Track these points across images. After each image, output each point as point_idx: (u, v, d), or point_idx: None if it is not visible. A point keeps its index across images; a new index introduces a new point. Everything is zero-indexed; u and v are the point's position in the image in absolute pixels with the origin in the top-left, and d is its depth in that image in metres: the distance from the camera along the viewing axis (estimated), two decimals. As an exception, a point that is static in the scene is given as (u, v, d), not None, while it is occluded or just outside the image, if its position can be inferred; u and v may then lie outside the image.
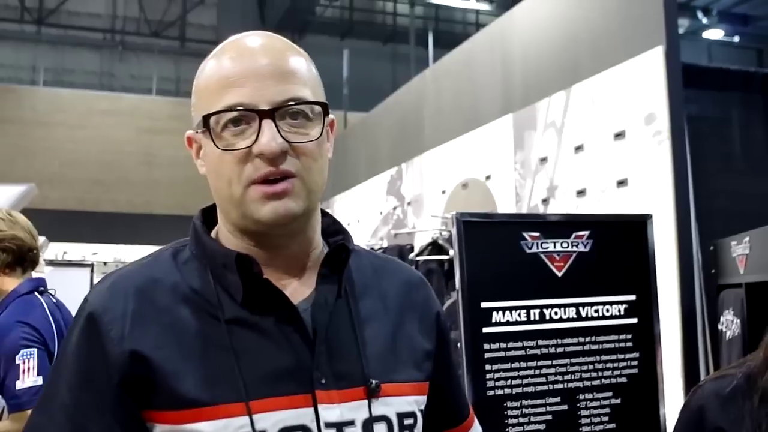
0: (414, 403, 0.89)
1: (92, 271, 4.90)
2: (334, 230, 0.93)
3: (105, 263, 8.92)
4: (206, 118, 0.82)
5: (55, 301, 2.18)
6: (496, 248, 1.70)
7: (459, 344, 1.66)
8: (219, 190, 0.84)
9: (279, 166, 0.80)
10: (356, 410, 0.83)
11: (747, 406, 1.07)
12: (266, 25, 13.44)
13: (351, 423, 0.82)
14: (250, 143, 0.80)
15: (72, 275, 4.50)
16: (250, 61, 0.83)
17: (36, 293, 2.11)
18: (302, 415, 0.80)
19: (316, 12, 13.70)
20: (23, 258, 2.13)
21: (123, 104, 12.89)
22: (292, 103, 0.82)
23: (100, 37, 14.40)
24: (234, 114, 0.81)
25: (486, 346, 1.64)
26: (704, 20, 12.51)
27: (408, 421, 0.88)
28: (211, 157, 0.84)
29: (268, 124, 0.80)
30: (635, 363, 1.77)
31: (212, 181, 0.85)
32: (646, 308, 1.81)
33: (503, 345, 1.66)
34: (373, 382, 0.84)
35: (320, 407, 0.81)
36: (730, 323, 2.40)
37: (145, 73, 14.30)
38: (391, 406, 0.86)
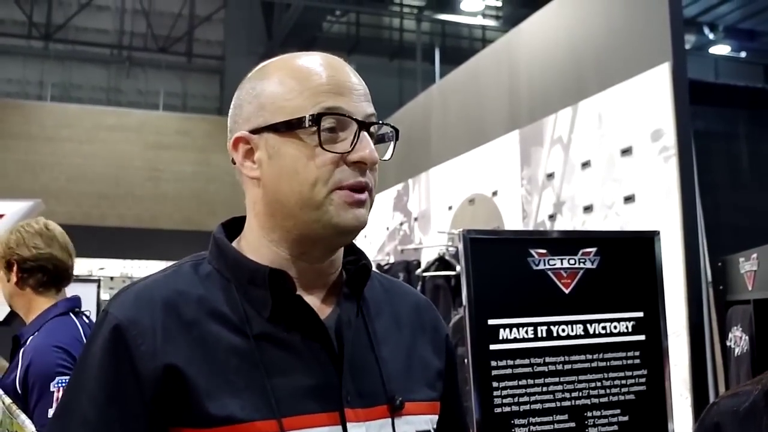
0: (430, 422, 0.91)
1: (99, 286, 4.88)
2: (349, 250, 0.93)
3: (112, 278, 8.93)
4: (316, 117, 0.81)
5: (88, 322, 2.08)
6: (502, 265, 1.70)
7: (466, 361, 1.65)
8: (291, 193, 0.83)
9: (366, 178, 0.84)
10: (380, 428, 0.84)
11: (765, 423, 1.06)
12: (273, 41, 13.52)
13: None
14: (345, 149, 0.82)
15: (79, 291, 4.48)
16: (343, 75, 0.86)
17: (71, 314, 2.02)
18: None
19: (323, 27, 13.79)
20: (59, 277, 2.05)
21: (130, 120, 12.96)
22: (378, 122, 0.86)
23: (108, 53, 14.50)
24: (337, 117, 0.83)
25: (493, 363, 1.63)
26: (711, 36, 12.53)
27: None
28: (289, 159, 0.83)
29: (365, 135, 0.84)
30: (643, 380, 1.76)
31: (281, 185, 0.84)
32: (653, 325, 1.80)
33: (510, 362, 1.65)
34: (398, 399, 0.85)
35: (348, 425, 0.81)
36: (738, 340, 2.39)
37: (152, 89, 14.38)
38: (411, 424, 0.87)
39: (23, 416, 1.74)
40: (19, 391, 1.82)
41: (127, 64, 14.43)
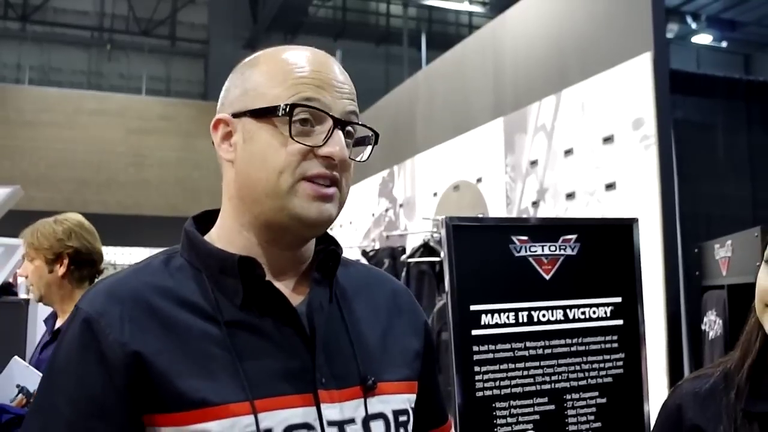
0: (407, 401, 0.93)
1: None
2: (321, 237, 0.95)
3: (95, 264, 8.84)
4: (290, 107, 0.83)
5: None
6: (485, 251, 1.73)
7: (449, 346, 1.69)
8: (259, 179, 0.84)
9: (334, 172, 0.85)
10: (355, 408, 0.86)
11: (724, 403, 1.10)
12: (258, 25, 13.41)
13: (351, 421, 0.85)
14: (316, 143, 0.84)
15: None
16: (328, 71, 0.87)
17: None
18: (306, 414, 0.82)
19: (308, 12, 13.68)
20: (97, 271, 2.13)
21: (112, 104, 12.73)
22: (357, 122, 0.87)
23: (88, 35, 14.20)
24: (312, 110, 0.84)
25: (475, 348, 1.67)
26: (693, 25, 12.61)
27: (402, 418, 0.91)
28: (261, 145, 0.84)
29: (338, 133, 0.85)
30: (620, 363, 1.81)
31: (251, 169, 0.85)
32: (631, 310, 1.85)
33: (492, 347, 1.68)
34: (371, 379, 0.88)
35: (322, 406, 0.83)
36: (712, 324, 2.45)
37: (134, 73, 14.15)
38: (387, 403, 0.89)
39: None
40: None
41: (109, 47, 14.14)
